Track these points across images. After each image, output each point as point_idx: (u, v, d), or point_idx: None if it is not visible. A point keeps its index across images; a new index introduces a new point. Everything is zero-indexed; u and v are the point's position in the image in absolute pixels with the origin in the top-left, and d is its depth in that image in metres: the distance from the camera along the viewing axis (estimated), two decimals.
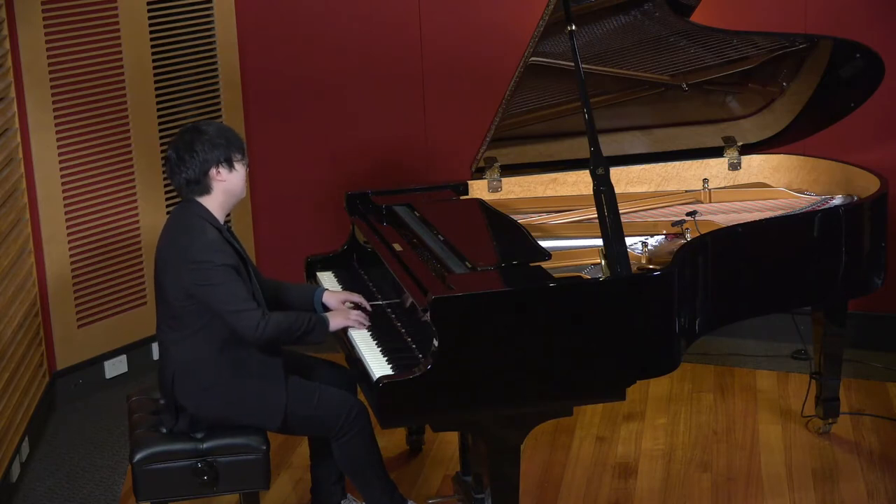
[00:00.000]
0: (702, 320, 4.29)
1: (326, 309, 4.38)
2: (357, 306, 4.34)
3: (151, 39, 5.72)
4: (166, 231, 4.20)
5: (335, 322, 4.21)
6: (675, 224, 4.59)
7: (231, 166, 4.14)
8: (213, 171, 4.11)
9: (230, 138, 4.15)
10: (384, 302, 4.36)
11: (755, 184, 5.17)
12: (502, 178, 5.04)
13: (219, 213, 4.16)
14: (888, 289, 4.94)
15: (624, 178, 5.10)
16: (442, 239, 4.35)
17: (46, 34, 5.33)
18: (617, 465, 4.93)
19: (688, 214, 4.65)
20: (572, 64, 4.32)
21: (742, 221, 4.55)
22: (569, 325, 3.92)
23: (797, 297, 4.71)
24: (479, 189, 5.02)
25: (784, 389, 5.49)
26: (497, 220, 4.57)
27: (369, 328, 4.25)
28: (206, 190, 4.13)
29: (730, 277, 4.43)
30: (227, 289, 4.03)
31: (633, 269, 4.13)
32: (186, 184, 4.13)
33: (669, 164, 5.17)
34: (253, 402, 4.14)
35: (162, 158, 5.82)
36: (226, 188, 4.15)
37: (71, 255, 5.55)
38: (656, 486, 4.78)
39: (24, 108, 5.30)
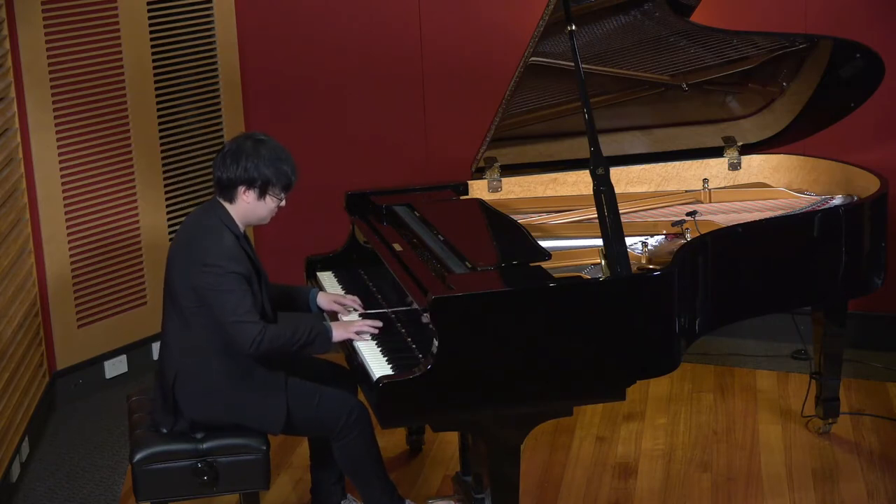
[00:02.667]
0: (702, 320, 4.29)
1: (321, 310, 4.38)
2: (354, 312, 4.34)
3: (151, 39, 5.72)
4: (184, 228, 4.18)
5: (338, 334, 4.15)
6: (675, 224, 4.59)
7: (262, 196, 4.10)
8: (241, 189, 4.09)
9: (280, 172, 4.08)
10: (389, 310, 4.32)
11: (755, 184, 5.17)
12: (502, 178, 5.04)
13: (240, 222, 4.15)
14: (888, 289, 4.94)
15: (624, 178, 5.10)
16: (442, 239, 4.34)
17: (46, 34, 5.33)
18: (617, 465, 4.93)
19: (688, 214, 4.65)
20: (572, 64, 4.32)
21: (742, 221, 4.55)
22: (569, 325, 3.92)
23: (797, 297, 4.71)
24: (479, 189, 5.02)
25: (784, 389, 5.49)
26: (497, 220, 4.57)
27: None
28: (230, 199, 4.12)
29: (730, 277, 4.42)
30: (231, 297, 4.01)
31: (633, 269, 4.13)
32: (218, 182, 4.12)
33: (669, 164, 5.17)
34: (253, 410, 4.13)
35: (162, 158, 5.83)
36: (246, 209, 4.12)
37: (71, 255, 5.54)
38: (656, 486, 4.78)
39: (24, 108, 5.30)
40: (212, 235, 4.07)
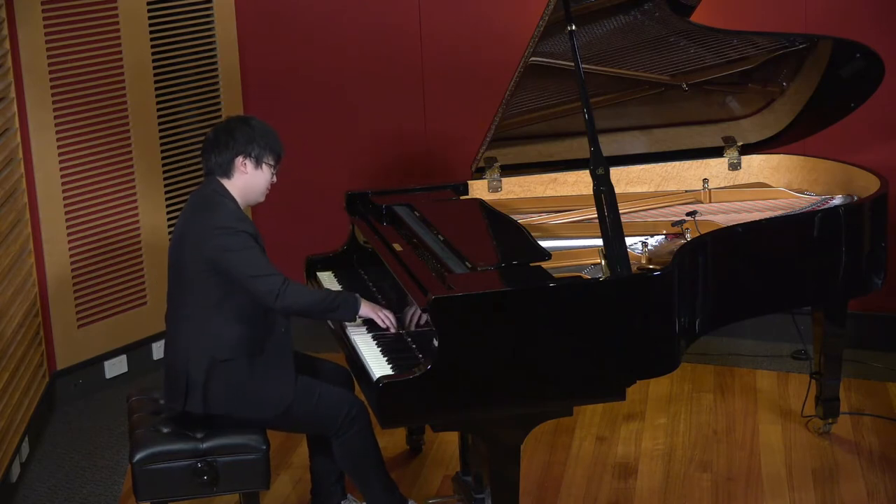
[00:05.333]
0: (702, 320, 4.29)
1: None
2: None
3: (151, 39, 5.72)
4: (187, 209, 4.23)
5: (365, 310, 4.20)
6: (675, 224, 4.59)
7: (258, 164, 4.18)
8: (239, 160, 4.16)
9: (271, 142, 4.20)
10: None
11: (755, 184, 5.17)
12: (502, 178, 5.04)
13: (239, 199, 4.19)
14: (888, 289, 4.94)
15: (624, 178, 5.11)
16: (442, 239, 4.34)
17: (46, 34, 5.33)
18: (617, 465, 4.93)
19: (688, 214, 4.65)
20: (572, 64, 4.32)
21: (742, 221, 4.55)
22: (569, 325, 3.92)
23: (797, 297, 4.71)
24: (479, 189, 5.02)
25: (784, 389, 5.49)
26: (497, 220, 4.57)
27: (369, 328, 4.24)
28: (228, 174, 4.18)
29: (730, 277, 4.43)
30: (248, 255, 4.07)
31: (633, 269, 4.13)
32: (214, 163, 4.19)
33: (669, 164, 5.17)
34: (261, 384, 4.12)
35: (162, 158, 5.83)
36: (246, 181, 4.18)
37: (71, 255, 5.55)
38: (656, 486, 4.78)
39: (24, 108, 5.30)
40: (216, 205, 4.14)
